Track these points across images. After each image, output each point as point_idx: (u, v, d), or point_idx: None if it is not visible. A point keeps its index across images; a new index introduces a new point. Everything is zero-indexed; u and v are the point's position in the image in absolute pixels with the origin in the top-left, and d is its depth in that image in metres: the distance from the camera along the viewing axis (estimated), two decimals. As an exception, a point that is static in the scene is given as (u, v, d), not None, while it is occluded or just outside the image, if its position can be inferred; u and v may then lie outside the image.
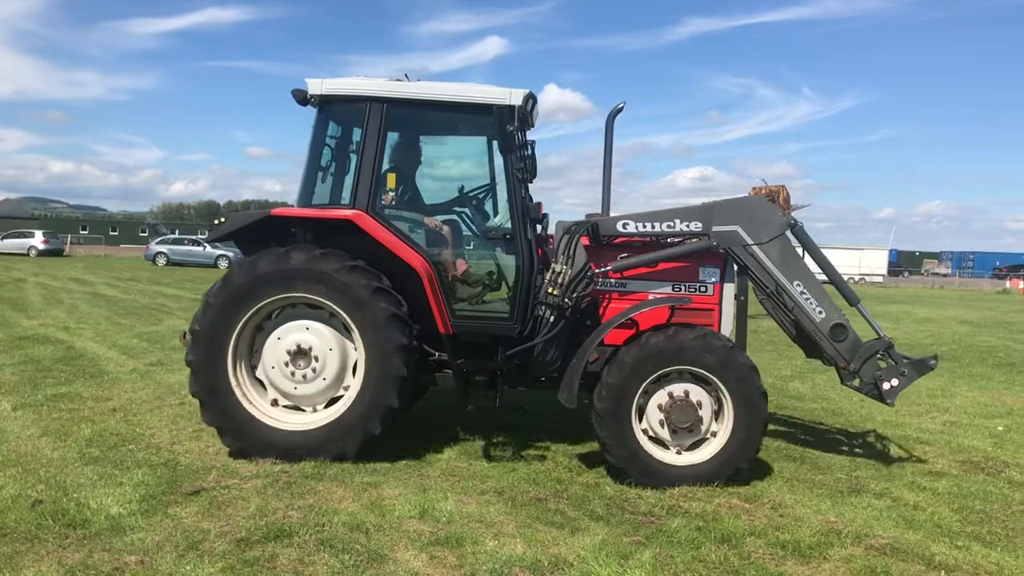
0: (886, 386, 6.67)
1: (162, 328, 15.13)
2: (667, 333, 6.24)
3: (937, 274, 79.16)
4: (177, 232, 73.05)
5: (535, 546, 4.90)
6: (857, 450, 7.67)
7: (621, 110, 6.93)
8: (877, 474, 6.84)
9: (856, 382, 6.90)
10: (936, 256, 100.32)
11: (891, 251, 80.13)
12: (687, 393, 6.24)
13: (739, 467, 6.29)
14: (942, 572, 4.80)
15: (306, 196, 6.96)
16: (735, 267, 6.84)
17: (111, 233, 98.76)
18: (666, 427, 6.24)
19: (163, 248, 46.73)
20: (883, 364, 6.78)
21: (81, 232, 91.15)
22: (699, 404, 6.24)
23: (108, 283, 27.99)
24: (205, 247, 46.40)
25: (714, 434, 6.34)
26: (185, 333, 7.21)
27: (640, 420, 6.29)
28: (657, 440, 6.32)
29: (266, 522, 5.05)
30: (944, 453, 7.66)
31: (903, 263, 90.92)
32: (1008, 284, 55.54)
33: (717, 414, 6.33)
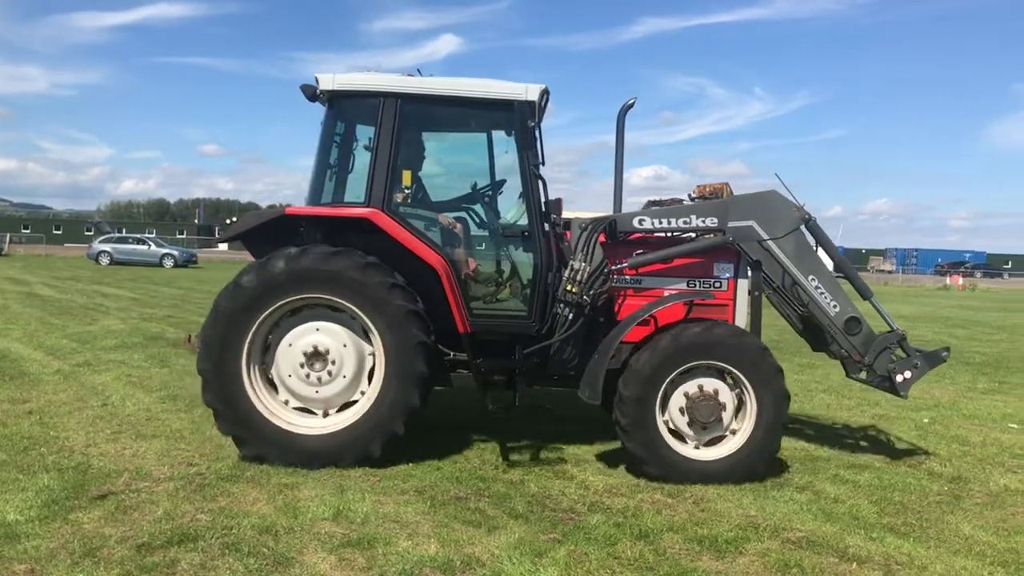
0: (899, 378, 6.72)
1: (95, 328, 14.72)
2: (704, 326, 6.25)
3: (882, 271, 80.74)
4: (124, 231, 71.52)
5: (449, 546, 4.82)
6: (784, 444, 7.69)
7: (632, 106, 6.84)
8: (802, 468, 6.88)
9: (863, 374, 6.99)
10: (882, 253, 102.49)
11: (839, 248, 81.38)
12: (712, 388, 6.25)
13: (755, 468, 6.31)
14: (854, 564, 4.82)
15: (316, 194, 6.81)
16: (748, 263, 6.86)
17: (54, 232, 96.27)
18: (687, 420, 6.24)
19: (106, 247, 45.63)
20: (896, 356, 6.85)
21: (23, 231, 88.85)
22: (722, 400, 6.25)
23: (45, 283, 27.23)
24: (150, 246, 45.53)
25: (734, 432, 6.36)
26: (191, 336, 6.98)
27: (663, 412, 6.27)
28: (677, 433, 6.32)
29: (172, 526, 4.89)
30: (870, 446, 7.77)
31: (850, 260, 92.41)
32: (948, 281, 56.91)
33: (737, 412, 6.35)
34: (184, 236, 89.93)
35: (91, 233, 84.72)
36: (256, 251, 6.69)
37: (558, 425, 7.91)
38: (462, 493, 5.79)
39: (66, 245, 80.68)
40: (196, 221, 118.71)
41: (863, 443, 7.87)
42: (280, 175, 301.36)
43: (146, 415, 7.89)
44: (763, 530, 5.30)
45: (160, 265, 43.13)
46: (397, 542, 4.84)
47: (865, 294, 7.09)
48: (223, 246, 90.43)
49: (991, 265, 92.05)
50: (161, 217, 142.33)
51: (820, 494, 6.16)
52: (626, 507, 5.68)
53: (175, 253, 45.35)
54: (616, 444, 7.27)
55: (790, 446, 7.57)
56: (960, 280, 55.76)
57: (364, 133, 7.03)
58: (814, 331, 7.33)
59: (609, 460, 6.88)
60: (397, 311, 6.10)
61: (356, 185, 6.80)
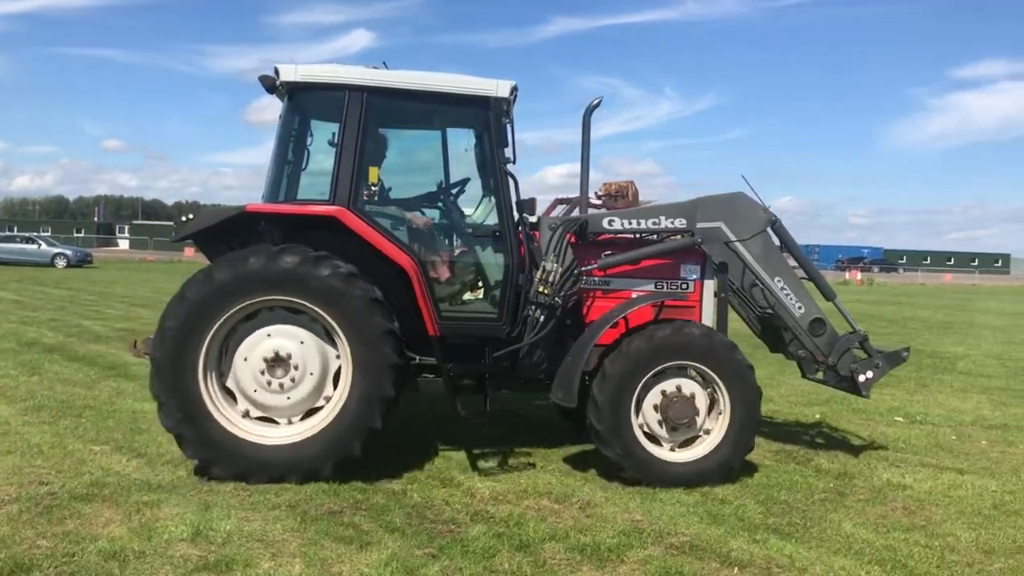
0: (862, 378, 6.81)
1: (-35, 334, 13.74)
2: (674, 327, 6.22)
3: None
4: (16, 229, 68.01)
5: (315, 565, 4.51)
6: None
7: (598, 105, 6.71)
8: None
9: (820, 375, 7.10)
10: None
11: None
12: (685, 389, 6.21)
13: (731, 466, 6.28)
14: (735, 569, 4.73)
15: (274, 191, 6.48)
16: (714, 264, 6.85)
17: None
18: (662, 422, 6.20)
19: (-9, 246, 43.07)
20: (858, 357, 6.93)
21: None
22: (696, 401, 6.21)
23: (-80, 285, 25.49)
24: (40, 245, 43.26)
25: (708, 432, 6.32)
26: (136, 341, 6.58)
27: (637, 415, 6.19)
28: (651, 436, 6.25)
29: (5, 555, 4.44)
30: (762, 444, 7.72)
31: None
32: (848, 276, 59.12)
33: (710, 411, 6.32)
34: (82, 235, 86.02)
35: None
36: (210, 250, 6.38)
37: (444, 428, 7.66)
38: (337, 507, 5.49)
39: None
40: (96, 219, 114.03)
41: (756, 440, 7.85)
42: (186, 172, 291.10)
43: (3, 429, 7.29)
44: (647, 535, 5.17)
45: (52, 265, 40.97)
46: (259, 563, 4.51)
47: (829, 295, 7.21)
48: (123, 244, 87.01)
49: (887, 260, 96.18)
50: (60, 215, 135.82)
51: (708, 495, 6.08)
52: (510, 515, 5.47)
53: (68, 252, 43.18)
54: (504, 447, 7.12)
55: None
56: (859, 275, 57.98)
57: (326, 128, 6.74)
58: (772, 332, 7.42)
59: (497, 464, 6.69)
60: (374, 329, 5.84)
61: (317, 182, 6.54)
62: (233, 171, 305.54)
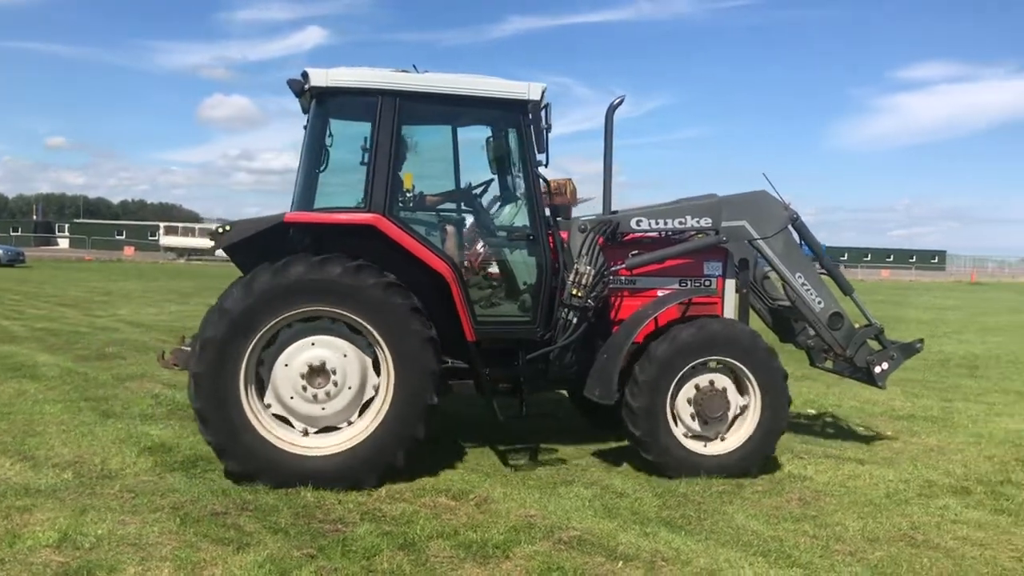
0: (878, 369, 7.09)
1: None
2: (724, 323, 6.50)
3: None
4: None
5: (185, 568, 4.37)
6: (588, 436, 7.60)
7: (620, 103, 6.68)
8: (598, 461, 6.81)
9: (828, 364, 7.47)
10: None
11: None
12: (720, 384, 6.36)
13: (749, 468, 6.40)
14: (620, 563, 4.69)
15: (307, 199, 6.37)
16: (736, 261, 7.00)
17: None
18: (693, 413, 6.33)
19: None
20: (874, 348, 7.18)
21: None
22: (729, 398, 6.37)
23: None
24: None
25: (735, 430, 6.47)
26: (164, 352, 6.42)
27: (672, 415, 6.32)
28: (688, 431, 6.40)
29: None
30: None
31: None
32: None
33: (740, 411, 6.47)
34: (19, 234, 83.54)
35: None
36: (240, 259, 6.29)
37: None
38: (223, 508, 5.33)
39: None
40: (35, 217, 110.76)
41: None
42: (134, 170, 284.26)
43: None
44: (538, 531, 5.12)
45: (-12, 266, 39.71)
46: (125, 568, 4.34)
47: (847, 290, 7.39)
48: (63, 243, 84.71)
49: (831, 257, 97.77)
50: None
51: (608, 488, 6.06)
52: (403, 513, 5.38)
53: (-1, 249, 41.95)
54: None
55: (585, 440, 7.46)
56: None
57: (356, 131, 6.62)
58: (783, 324, 7.75)
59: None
60: (415, 339, 5.81)
61: (348, 188, 6.47)
62: (183, 169, 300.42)
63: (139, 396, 8.81)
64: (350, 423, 5.98)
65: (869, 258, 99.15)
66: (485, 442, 7.21)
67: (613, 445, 7.26)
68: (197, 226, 65.08)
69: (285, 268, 5.69)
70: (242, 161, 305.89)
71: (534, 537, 5.02)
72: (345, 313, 5.82)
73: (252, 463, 5.73)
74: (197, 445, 6.80)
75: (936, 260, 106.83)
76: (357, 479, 5.82)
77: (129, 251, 59.75)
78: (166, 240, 60.70)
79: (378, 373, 5.98)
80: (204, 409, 5.66)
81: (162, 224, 65.21)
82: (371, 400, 5.99)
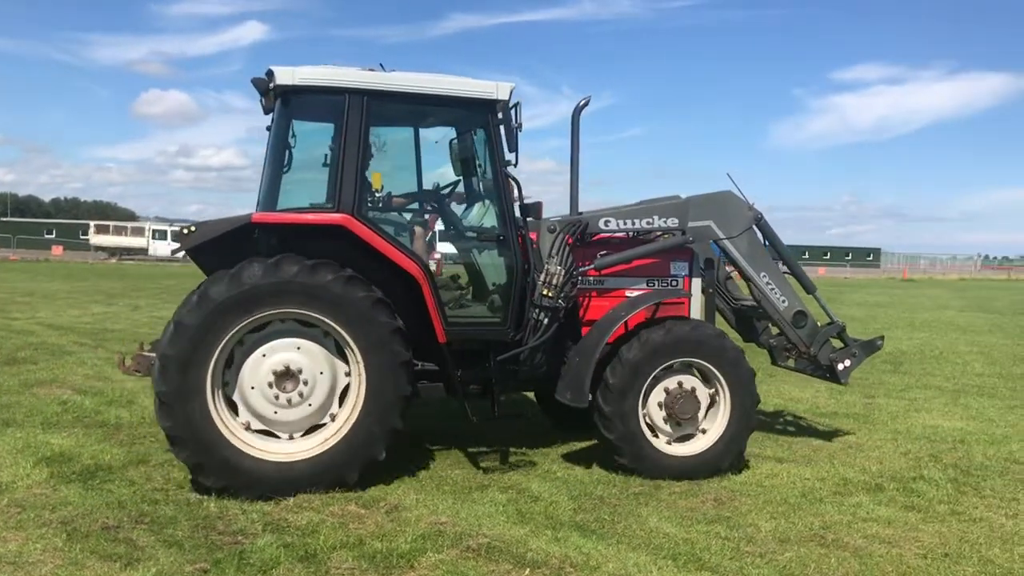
0: (840, 367, 7.22)
1: None
2: (692, 324, 6.51)
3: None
4: None
5: (65, 588, 4.13)
6: (512, 438, 7.48)
7: (586, 105, 6.69)
8: (518, 463, 6.69)
9: (790, 362, 7.57)
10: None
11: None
12: (690, 385, 6.39)
13: (721, 466, 6.42)
14: (527, 570, 4.59)
15: (271, 199, 6.25)
16: (701, 262, 7.08)
17: None
18: (664, 416, 6.36)
19: None
20: (836, 346, 7.34)
21: None
22: (699, 398, 6.41)
23: None
24: None
25: (704, 431, 6.50)
26: (124, 358, 6.19)
27: (643, 405, 6.33)
28: (652, 428, 6.41)
29: None
30: (589, 437, 7.61)
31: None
32: (729, 269, 60.90)
33: (708, 411, 6.50)
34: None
35: None
36: (204, 260, 6.15)
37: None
38: (116, 521, 5.08)
39: None
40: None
41: (586, 435, 7.75)
42: (68, 167, 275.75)
43: None
44: (446, 538, 4.98)
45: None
46: (-1, 590, 4.09)
47: (809, 289, 7.55)
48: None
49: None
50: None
51: (524, 492, 5.95)
52: (308, 523, 5.19)
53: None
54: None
55: (509, 444, 7.35)
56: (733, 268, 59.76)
57: (321, 131, 6.68)
58: (746, 323, 7.90)
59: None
60: (382, 329, 5.75)
61: (312, 187, 6.47)
62: (119, 166, 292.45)
63: (45, 403, 8.42)
64: (327, 422, 5.92)
65: (807, 256, 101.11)
66: (402, 446, 7.04)
67: (532, 448, 7.18)
68: (129, 225, 63.29)
69: (238, 274, 5.56)
70: (180, 158, 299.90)
71: (441, 545, 4.88)
72: (307, 313, 5.72)
73: (231, 477, 5.59)
74: (100, 454, 6.54)
75: (871, 258, 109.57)
76: (338, 478, 5.77)
77: (57, 250, 57.79)
78: (96, 239, 58.79)
79: (348, 372, 5.92)
80: (172, 429, 5.51)
81: (92, 223, 63.05)
82: (344, 397, 5.92)
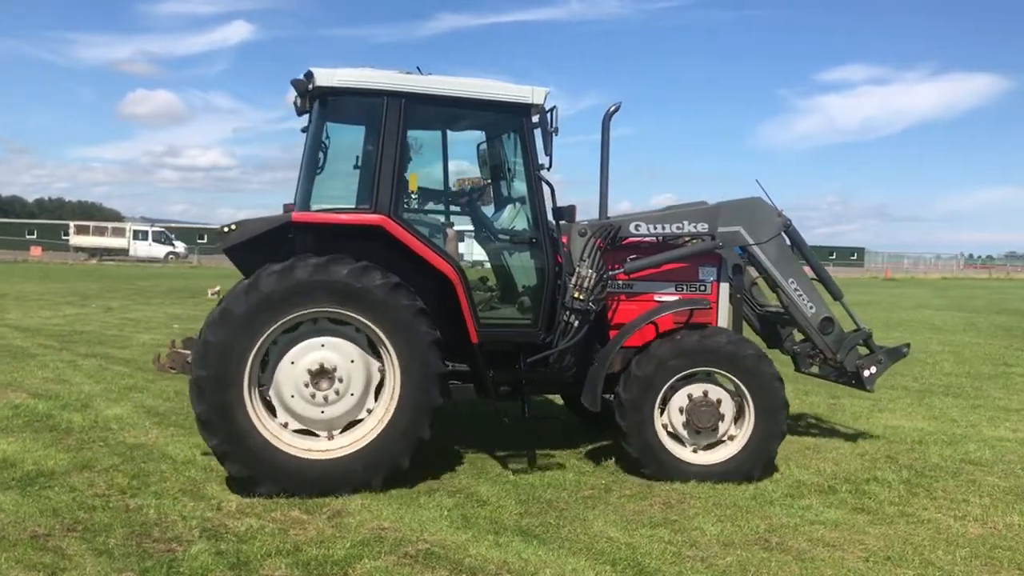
0: (866, 373, 7.22)
1: None
2: (702, 333, 6.40)
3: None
4: None
5: (-18, 600, 4.04)
6: (463, 442, 7.42)
7: (616, 110, 6.74)
8: (471, 468, 6.63)
9: (814, 368, 7.57)
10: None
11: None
12: (713, 394, 6.33)
13: (751, 474, 6.33)
14: (462, 577, 4.52)
15: (306, 199, 6.33)
16: (729, 266, 7.05)
17: None
18: (686, 424, 6.31)
19: None
20: (862, 353, 7.33)
21: None
22: (723, 407, 6.33)
23: None
24: None
25: (731, 438, 6.43)
26: (159, 355, 6.29)
27: (662, 414, 6.34)
28: (675, 436, 6.37)
29: None
30: (560, 440, 7.56)
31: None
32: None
33: (736, 419, 6.42)
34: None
35: None
36: (239, 259, 6.20)
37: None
38: (46, 529, 4.98)
39: None
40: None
41: (550, 439, 7.70)
42: (52, 167, 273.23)
43: None
44: (386, 544, 4.91)
45: None
46: (-87, 602, 3.99)
47: (837, 295, 7.47)
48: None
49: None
50: None
51: (472, 496, 5.89)
52: (248, 530, 5.11)
53: None
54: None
55: (459, 440, 7.28)
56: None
57: (357, 134, 6.84)
58: (770, 329, 7.86)
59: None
60: (422, 339, 5.82)
61: (348, 188, 6.69)
62: (104, 166, 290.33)
63: (-2, 407, 8.29)
64: (356, 423, 5.97)
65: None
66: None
67: (483, 452, 7.11)
68: (110, 225, 62.75)
69: (290, 269, 5.66)
70: (167, 158, 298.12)
71: (379, 552, 4.81)
72: (350, 314, 5.79)
73: (255, 468, 5.67)
74: (43, 460, 6.43)
75: (855, 257, 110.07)
76: (363, 482, 5.82)
77: (36, 251, 57.28)
78: (76, 240, 58.28)
79: (382, 375, 5.98)
80: (205, 414, 5.59)
81: (72, 223, 62.51)
82: (377, 401, 5.98)
